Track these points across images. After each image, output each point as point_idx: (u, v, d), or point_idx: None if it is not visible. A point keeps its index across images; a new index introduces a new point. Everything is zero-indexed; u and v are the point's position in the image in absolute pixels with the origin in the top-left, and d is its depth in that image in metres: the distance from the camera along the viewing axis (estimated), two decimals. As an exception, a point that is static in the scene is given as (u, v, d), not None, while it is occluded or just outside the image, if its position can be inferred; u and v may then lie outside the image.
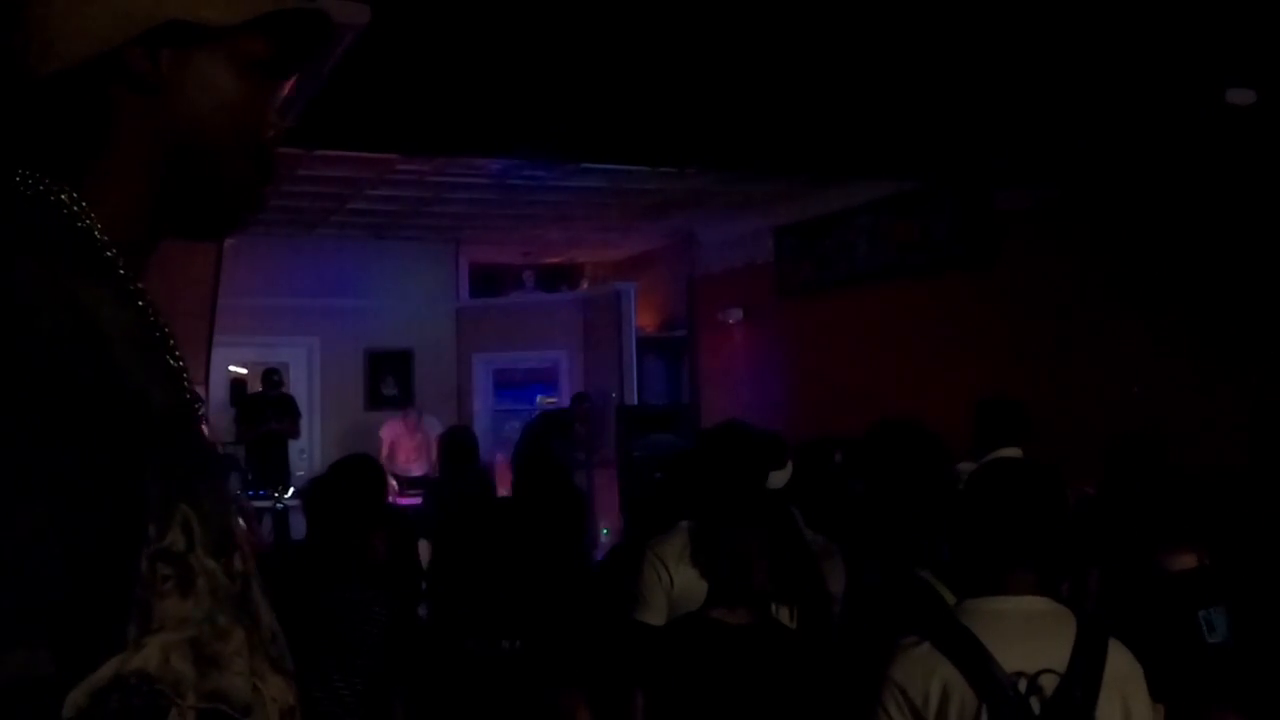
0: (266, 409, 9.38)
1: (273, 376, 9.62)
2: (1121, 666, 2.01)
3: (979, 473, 2.39)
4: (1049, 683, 1.93)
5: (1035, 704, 1.92)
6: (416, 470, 9.57)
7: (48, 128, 0.96)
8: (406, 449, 9.75)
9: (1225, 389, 6.14)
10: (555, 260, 12.16)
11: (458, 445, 6.67)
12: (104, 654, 0.78)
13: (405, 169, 7.85)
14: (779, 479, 4.36)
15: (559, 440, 9.21)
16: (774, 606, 3.03)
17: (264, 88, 1.04)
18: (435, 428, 9.60)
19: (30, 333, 0.84)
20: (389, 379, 10.80)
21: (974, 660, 1.95)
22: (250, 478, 8.84)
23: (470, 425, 10.66)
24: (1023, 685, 1.93)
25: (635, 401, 10.48)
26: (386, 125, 5.43)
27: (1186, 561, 3.13)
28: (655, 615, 3.24)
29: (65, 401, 0.82)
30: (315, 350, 10.47)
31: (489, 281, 12.06)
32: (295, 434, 9.58)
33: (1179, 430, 6.21)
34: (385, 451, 9.55)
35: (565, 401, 11.04)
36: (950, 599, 2.71)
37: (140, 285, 0.99)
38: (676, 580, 3.23)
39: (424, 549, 4.80)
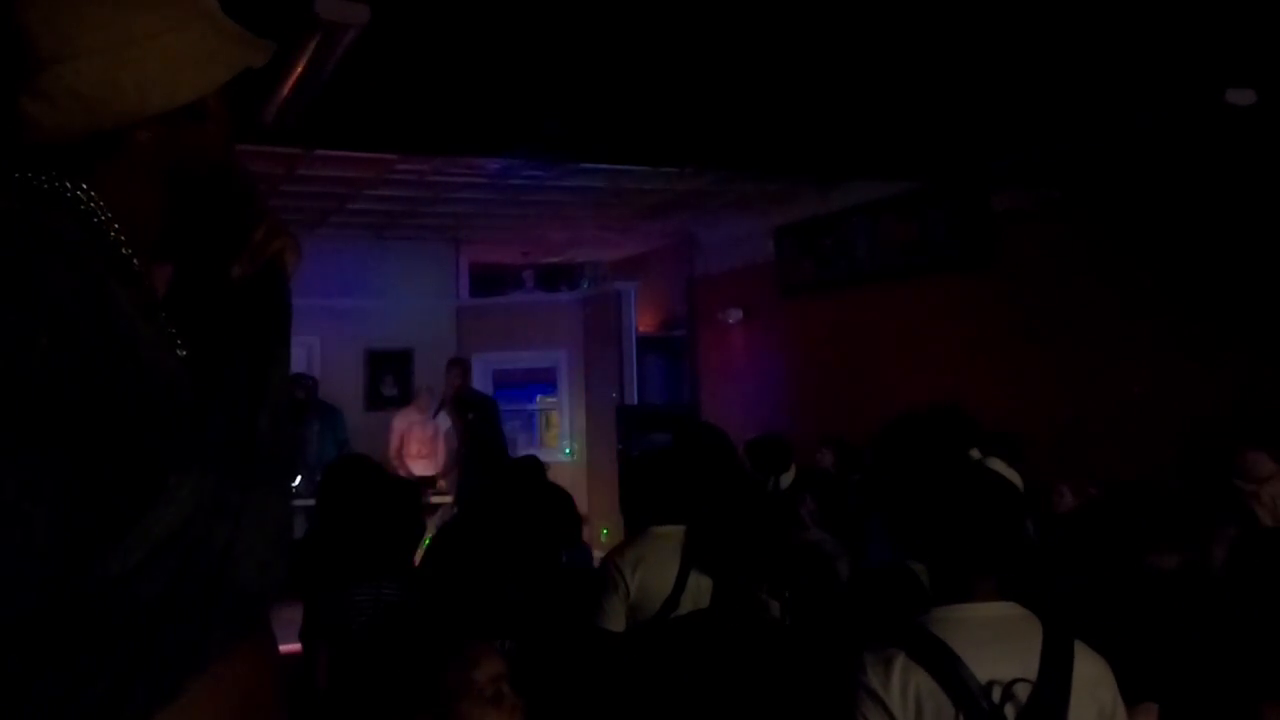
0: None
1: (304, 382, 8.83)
2: (1090, 670, 2.02)
3: (940, 480, 2.39)
4: (1023, 691, 1.94)
5: (1010, 711, 1.93)
6: (424, 469, 9.36)
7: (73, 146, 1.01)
8: (417, 440, 9.63)
9: (1225, 388, 6.14)
10: (555, 260, 12.17)
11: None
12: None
13: (405, 169, 7.84)
14: (784, 480, 4.45)
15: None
16: (772, 602, 3.04)
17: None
18: (446, 422, 9.48)
19: (58, 330, 0.85)
20: (389, 379, 10.79)
21: (948, 669, 1.95)
22: None
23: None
24: (997, 694, 1.93)
25: (635, 401, 10.48)
26: (386, 125, 5.42)
27: (1172, 561, 3.18)
28: (615, 622, 3.31)
29: (81, 398, 0.85)
30: (315, 350, 10.44)
31: (489, 281, 12.06)
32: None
33: (1179, 428, 6.22)
34: (395, 444, 9.47)
35: (565, 402, 11.02)
36: None
37: (151, 284, 1.01)
38: (633, 587, 3.32)
39: None
